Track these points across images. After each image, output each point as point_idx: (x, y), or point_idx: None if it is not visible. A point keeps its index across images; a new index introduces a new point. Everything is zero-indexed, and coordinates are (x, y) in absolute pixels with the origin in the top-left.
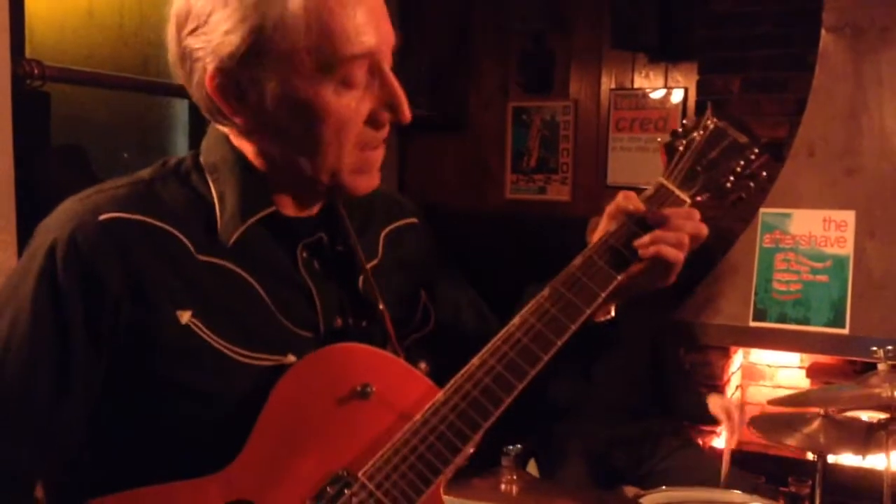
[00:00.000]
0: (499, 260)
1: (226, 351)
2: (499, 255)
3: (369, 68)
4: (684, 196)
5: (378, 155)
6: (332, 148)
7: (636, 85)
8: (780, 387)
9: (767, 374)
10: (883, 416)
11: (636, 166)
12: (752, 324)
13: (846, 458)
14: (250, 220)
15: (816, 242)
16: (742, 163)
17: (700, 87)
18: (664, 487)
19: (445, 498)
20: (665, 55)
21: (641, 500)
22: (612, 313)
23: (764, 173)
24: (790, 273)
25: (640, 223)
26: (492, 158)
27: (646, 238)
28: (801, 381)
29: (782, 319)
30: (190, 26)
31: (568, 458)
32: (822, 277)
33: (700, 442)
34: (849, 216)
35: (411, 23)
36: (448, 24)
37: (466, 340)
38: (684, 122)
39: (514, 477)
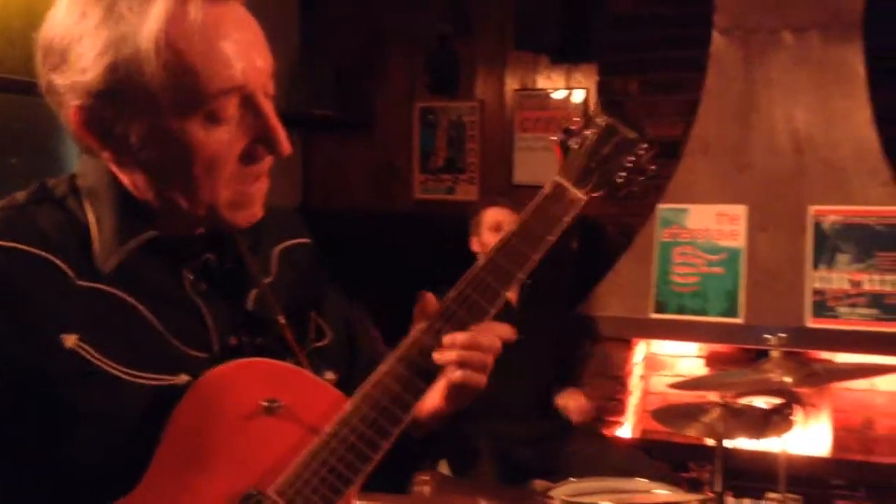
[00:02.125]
0: (408, 261)
1: (115, 372)
2: (408, 256)
3: (241, 102)
4: (580, 194)
5: (259, 188)
6: (205, 184)
7: (539, 86)
8: (680, 376)
9: (668, 364)
10: (779, 401)
11: (541, 165)
12: (653, 315)
13: (743, 443)
14: (128, 247)
15: (711, 236)
16: (632, 158)
17: (600, 87)
18: (572, 479)
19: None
20: (566, 56)
21: (551, 493)
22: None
23: (652, 167)
24: (688, 266)
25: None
26: (399, 159)
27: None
28: (700, 370)
29: (681, 311)
30: (51, 62)
31: (477, 456)
32: (718, 269)
33: (604, 432)
34: (741, 210)
35: (317, 22)
36: (355, 25)
37: (359, 358)
38: (575, 119)
39: (427, 477)
